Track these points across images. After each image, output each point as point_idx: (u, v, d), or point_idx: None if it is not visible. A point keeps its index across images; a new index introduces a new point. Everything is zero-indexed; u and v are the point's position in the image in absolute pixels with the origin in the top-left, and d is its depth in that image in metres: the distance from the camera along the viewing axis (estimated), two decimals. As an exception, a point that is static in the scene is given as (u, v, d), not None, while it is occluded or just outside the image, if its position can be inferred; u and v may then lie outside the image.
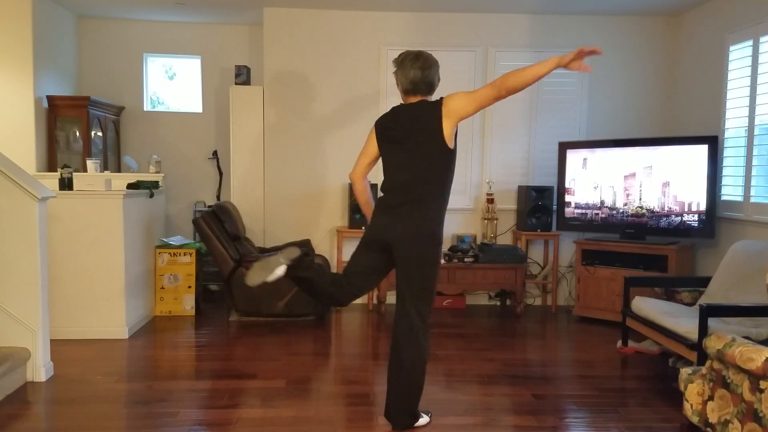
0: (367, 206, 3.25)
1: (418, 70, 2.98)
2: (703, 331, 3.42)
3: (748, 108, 4.92)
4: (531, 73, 2.80)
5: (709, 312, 3.46)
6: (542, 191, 5.82)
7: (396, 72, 3.06)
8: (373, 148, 3.13)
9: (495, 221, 5.98)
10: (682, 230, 5.19)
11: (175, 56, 6.73)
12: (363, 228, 5.30)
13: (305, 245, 5.71)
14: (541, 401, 3.57)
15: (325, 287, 3.08)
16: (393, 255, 3.02)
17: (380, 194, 3.11)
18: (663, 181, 5.28)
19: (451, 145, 2.99)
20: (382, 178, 3.12)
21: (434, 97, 3.12)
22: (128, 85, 6.63)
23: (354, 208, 5.75)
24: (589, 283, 5.53)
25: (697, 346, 3.48)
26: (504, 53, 6.04)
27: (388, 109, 3.17)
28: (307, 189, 6.11)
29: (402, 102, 3.12)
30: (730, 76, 5.18)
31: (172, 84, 6.89)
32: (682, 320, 3.87)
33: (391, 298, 5.96)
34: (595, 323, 5.42)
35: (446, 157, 3.00)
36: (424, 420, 3.16)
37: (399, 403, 3.07)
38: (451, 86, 6.00)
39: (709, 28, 5.53)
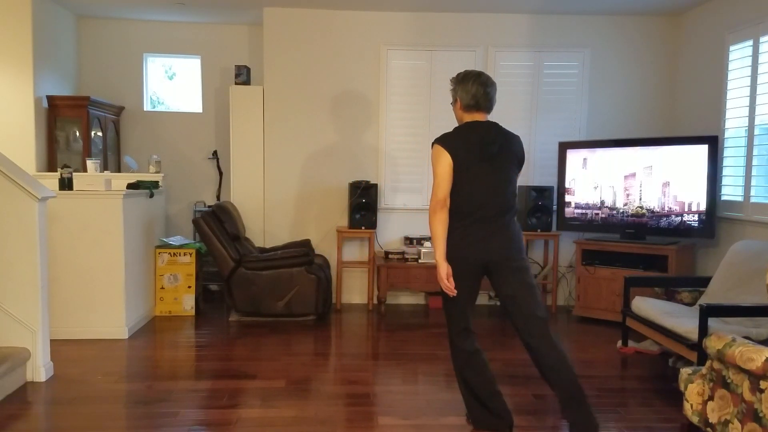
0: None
1: (481, 86, 2.99)
2: (703, 331, 3.42)
3: (748, 108, 4.92)
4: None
5: (709, 312, 3.45)
6: (542, 191, 5.82)
7: (456, 88, 3.03)
8: (451, 168, 2.92)
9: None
10: (682, 230, 5.19)
11: (175, 56, 6.73)
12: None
13: (305, 245, 5.71)
14: (541, 401, 3.57)
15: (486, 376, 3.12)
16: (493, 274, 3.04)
17: (458, 216, 2.95)
18: (663, 181, 5.28)
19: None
20: (455, 201, 2.94)
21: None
22: (128, 85, 6.63)
23: (355, 208, 5.75)
24: (589, 283, 5.53)
25: (697, 346, 3.48)
26: (504, 53, 6.04)
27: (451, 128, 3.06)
28: (307, 189, 6.11)
29: (470, 119, 3.02)
30: (730, 76, 5.18)
31: (172, 84, 6.89)
32: (682, 320, 3.86)
33: (391, 298, 5.97)
34: (595, 323, 5.41)
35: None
36: None
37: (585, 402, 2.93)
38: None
39: (709, 28, 5.53)
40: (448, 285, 2.94)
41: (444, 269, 2.92)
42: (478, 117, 3.02)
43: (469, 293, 3.06)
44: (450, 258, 2.94)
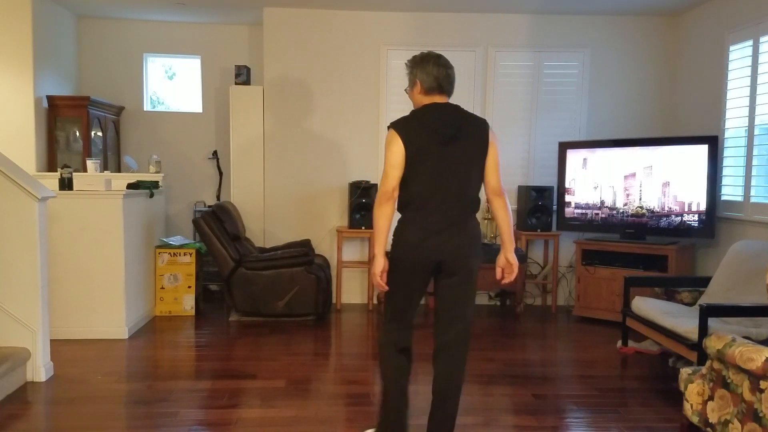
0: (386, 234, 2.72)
1: (442, 67, 2.78)
2: (703, 331, 3.42)
3: (748, 108, 4.92)
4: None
5: (709, 312, 3.46)
6: (542, 191, 5.82)
7: (414, 71, 2.79)
8: (403, 156, 2.64)
9: (495, 221, 5.97)
10: (682, 230, 5.19)
11: (175, 56, 6.73)
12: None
13: (305, 245, 5.71)
14: (541, 401, 3.57)
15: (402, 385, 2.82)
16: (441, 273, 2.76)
17: (410, 208, 2.69)
18: (663, 181, 5.28)
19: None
20: (414, 188, 2.67)
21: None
22: (128, 85, 6.62)
23: (355, 208, 5.75)
24: (589, 283, 5.53)
25: (697, 346, 3.48)
26: (504, 53, 6.04)
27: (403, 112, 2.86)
28: (307, 189, 6.11)
29: (429, 102, 2.77)
30: (730, 76, 5.18)
31: (172, 84, 6.89)
32: (682, 320, 3.87)
33: (391, 298, 5.96)
34: (595, 323, 5.41)
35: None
36: None
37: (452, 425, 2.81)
38: (451, 86, 6.02)
39: (709, 28, 5.53)
40: (381, 282, 2.69)
41: (381, 265, 2.67)
42: (438, 100, 2.78)
43: (418, 296, 2.78)
44: (402, 256, 2.69)
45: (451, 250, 2.69)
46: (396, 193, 2.66)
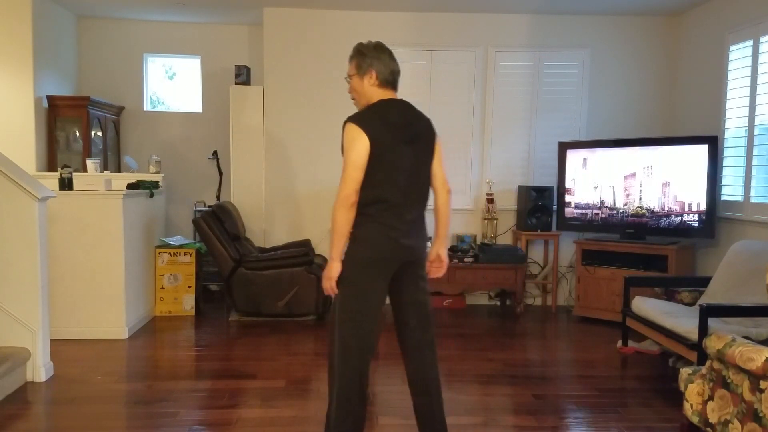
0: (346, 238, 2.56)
1: (395, 62, 2.68)
2: (703, 331, 3.42)
3: (748, 108, 4.92)
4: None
5: (709, 312, 3.46)
6: (542, 191, 5.82)
7: (369, 60, 2.63)
8: (368, 155, 2.50)
9: (495, 221, 5.98)
10: (682, 230, 5.19)
11: (175, 56, 6.73)
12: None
13: (305, 245, 5.71)
14: (541, 401, 3.57)
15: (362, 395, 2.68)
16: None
17: (376, 209, 2.55)
18: (663, 181, 5.28)
19: None
20: (381, 187, 2.54)
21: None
22: (128, 85, 6.62)
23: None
24: (589, 283, 5.52)
25: (697, 346, 3.48)
26: (504, 53, 6.04)
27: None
28: (307, 189, 6.11)
29: (384, 96, 2.67)
30: (730, 76, 5.18)
31: (172, 84, 6.89)
32: (682, 320, 3.87)
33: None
34: (595, 323, 5.41)
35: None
36: None
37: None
38: (451, 86, 6.03)
39: (709, 28, 5.53)
40: (334, 287, 2.55)
41: (337, 270, 2.52)
42: (392, 95, 2.67)
43: (383, 301, 2.63)
44: (369, 260, 2.55)
45: (418, 250, 2.67)
46: (357, 195, 2.49)
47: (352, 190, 2.47)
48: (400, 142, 2.56)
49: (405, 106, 2.67)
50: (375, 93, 2.65)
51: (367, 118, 2.54)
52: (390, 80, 2.67)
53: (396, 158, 2.54)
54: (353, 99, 2.73)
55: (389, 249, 2.57)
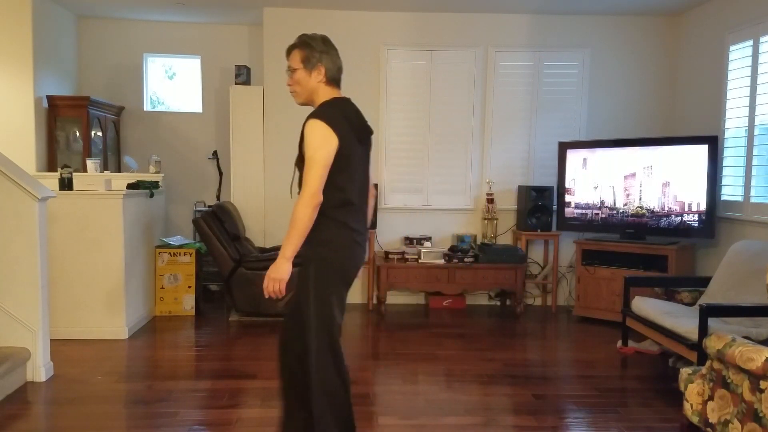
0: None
1: (340, 58, 2.61)
2: (703, 331, 3.42)
3: (748, 108, 4.92)
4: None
5: (709, 312, 3.46)
6: (542, 191, 5.82)
7: (319, 54, 2.53)
8: (335, 153, 2.44)
9: (495, 221, 5.98)
10: (682, 230, 5.19)
11: (175, 56, 6.72)
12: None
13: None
14: (541, 401, 3.57)
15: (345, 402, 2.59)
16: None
17: (343, 211, 2.51)
18: (663, 181, 5.28)
19: None
20: (347, 189, 2.50)
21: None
22: (128, 85, 6.62)
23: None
24: (589, 283, 5.52)
25: (697, 346, 3.48)
26: (504, 53, 6.04)
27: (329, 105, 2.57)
28: (307, 189, 6.10)
29: (332, 93, 2.60)
30: (730, 76, 5.17)
31: (172, 84, 6.89)
32: (682, 320, 3.87)
33: (391, 298, 5.97)
34: (595, 323, 5.41)
35: None
36: None
37: None
38: (451, 86, 6.02)
39: (709, 28, 5.52)
40: (281, 289, 2.46)
41: (289, 272, 2.43)
42: (338, 93, 2.61)
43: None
44: (344, 266, 2.52)
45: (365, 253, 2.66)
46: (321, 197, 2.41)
47: (318, 189, 2.39)
48: (357, 142, 2.54)
49: (356, 106, 2.63)
50: (322, 90, 2.58)
51: (335, 117, 2.47)
52: (337, 77, 2.61)
53: (356, 160, 2.52)
54: (293, 92, 2.64)
55: (359, 256, 2.58)
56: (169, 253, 5.48)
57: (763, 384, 2.47)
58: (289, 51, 2.60)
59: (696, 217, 5.10)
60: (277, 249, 5.78)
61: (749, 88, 4.91)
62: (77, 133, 6.00)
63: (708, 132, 5.40)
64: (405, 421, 3.24)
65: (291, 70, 2.60)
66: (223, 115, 6.55)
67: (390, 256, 5.70)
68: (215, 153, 6.68)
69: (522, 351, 4.66)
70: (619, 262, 5.40)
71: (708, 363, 2.86)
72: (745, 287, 4.04)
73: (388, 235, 6.12)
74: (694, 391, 2.91)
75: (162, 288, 5.47)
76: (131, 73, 6.63)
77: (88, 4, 5.97)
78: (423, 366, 4.20)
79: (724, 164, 5.19)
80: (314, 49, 2.54)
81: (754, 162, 4.84)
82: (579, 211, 5.75)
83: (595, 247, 5.56)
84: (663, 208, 5.29)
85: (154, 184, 5.40)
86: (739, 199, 4.99)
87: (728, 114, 5.19)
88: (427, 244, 5.86)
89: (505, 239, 6.13)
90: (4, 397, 3.48)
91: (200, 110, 6.74)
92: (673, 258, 5.13)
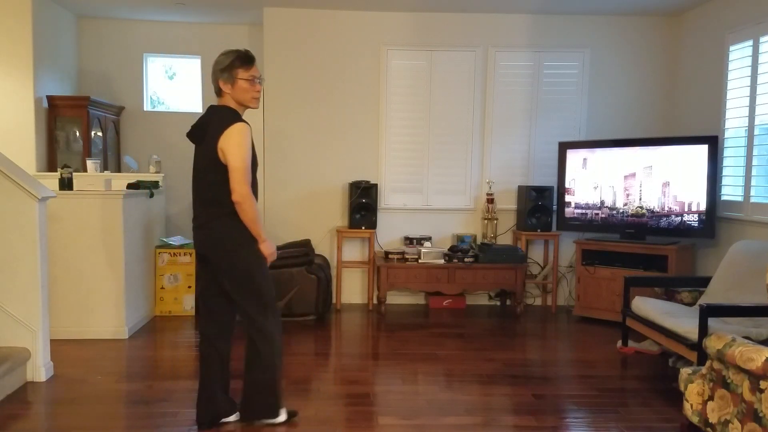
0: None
1: None
2: (703, 331, 3.42)
3: (748, 108, 4.92)
4: (251, 220, 2.92)
5: (709, 312, 3.45)
6: (542, 191, 5.82)
7: (238, 71, 3.17)
8: None
9: (495, 221, 5.98)
10: (682, 230, 5.19)
11: (175, 56, 6.73)
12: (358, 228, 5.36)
13: (305, 245, 5.71)
14: (541, 401, 3.57)
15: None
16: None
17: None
18: (663, 181, 5.28)
19: None
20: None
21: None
22: (128, 85, 6.62)
23: (355, 208, 5.75)
24: (589, 283, 5.52)
25: (697, 346, 3.48)
26: (504, 53, 6.04)
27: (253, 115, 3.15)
28: (307, 189, 6.11)
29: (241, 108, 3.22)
30: (730, 76, 5.18)
31: (172, 84, 6.89)
32: (682, 320, 3.87)
33: (391, 298, 5.97)
34: (595, 323, 5.41)
35: None
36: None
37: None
38: (451, 86, 6.03)
39: (709, 28, 5.53)
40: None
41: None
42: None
43: None
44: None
45: None
46: None
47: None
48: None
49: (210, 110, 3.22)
50: (232, 102, 3.22)
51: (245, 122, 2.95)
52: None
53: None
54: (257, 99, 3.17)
55: (196, 239, 3.13)
56: (170, 253, 5.48)
57: (763, 384, 2.47)
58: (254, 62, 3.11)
59: (696, 217, 5.10)
60: (276, 249, 5.79)
61: (749, 88, 4.91)
62: (77, 133, 6.00)
63: (708, 132, 5.40)
64: (405, 421, 3.24)
65: (261, 80, 3.14)
66: (223, 115, 6.54)
67: (390, 256, 5.70)
68: (215, 153, 6.66)
69: (522, 351, 4.66)
70: (619, 262, 5.40)
71: (708, 363, 2.86)
72: (745, 287, 4.04)
73: (388, 235, 6.12)
74: (694, 391, 2.92)
75: (162, 288, 5.47)
76: (131, 73, 6.63)
77: (88, 4, 5.97)
78: (423, 366, 4.20)
79: (724, 164, 5.19)
80: (239, 66, 3.18)
81: (754, 162, 4.84)
82: (579, 211, 5.75)
83: (595, 247, 5.56)
84: (663, 208, 5.29)
85: (154, 184, 5.40)
86: (739, 199, 4.99)
87: (728, 114, 5.19)
88: (427, 244, 5.86)
89: (505, 239, 6.13)
90: (4, 397, 3.48)
91: (200, 110, 6.74)
92: (673, 258, 5.13)
